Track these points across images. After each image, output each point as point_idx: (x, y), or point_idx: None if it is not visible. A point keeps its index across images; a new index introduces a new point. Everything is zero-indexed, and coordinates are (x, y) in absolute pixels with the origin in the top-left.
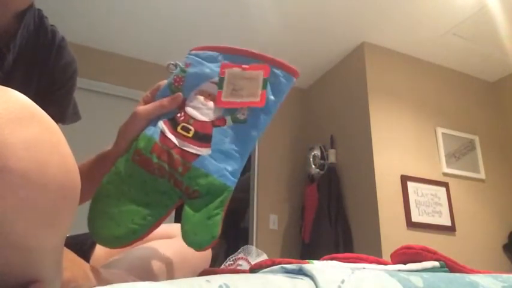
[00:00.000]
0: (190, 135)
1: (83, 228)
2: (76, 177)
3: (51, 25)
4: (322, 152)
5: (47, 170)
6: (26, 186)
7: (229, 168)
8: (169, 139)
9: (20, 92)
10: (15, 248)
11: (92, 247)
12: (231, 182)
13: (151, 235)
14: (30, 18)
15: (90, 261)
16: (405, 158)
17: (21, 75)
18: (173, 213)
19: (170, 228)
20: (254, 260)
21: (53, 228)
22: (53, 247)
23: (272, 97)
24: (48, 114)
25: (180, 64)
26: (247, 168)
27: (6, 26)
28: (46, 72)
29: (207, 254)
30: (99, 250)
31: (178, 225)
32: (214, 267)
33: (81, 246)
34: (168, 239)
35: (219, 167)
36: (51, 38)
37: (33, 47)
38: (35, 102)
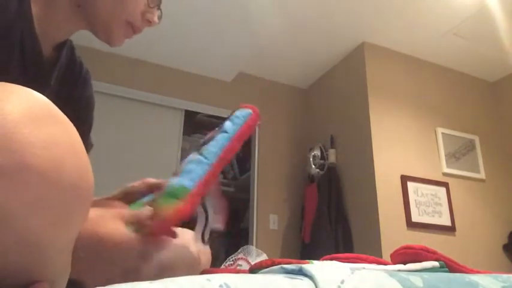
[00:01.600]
0: None
1: None
2: (90, 178)
3: (79, 56)
4: (322, 152)
5: (64, 170)
6: (43, 184)
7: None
8: None
9: None
10: (28, 246)
11: None
12: (188, 183)
13: None
14: (66, 51)
15: None
16: (405, 158)
17: None
18: None
19: None
20: (254, 260)
21: (66, 227)
22: (63, 246)
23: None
24: None
25: None
26: (247, 168)
27: (47, 56)
28: (70, 105)
29: (207, 255)
30: None
31: (178, 228)
32: (214, 267)
33: None
34: None
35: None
36: (79, 70)
37: (62, 78)
38: None
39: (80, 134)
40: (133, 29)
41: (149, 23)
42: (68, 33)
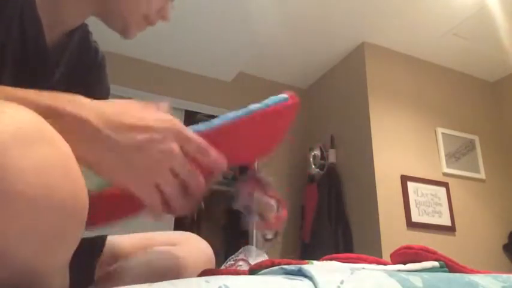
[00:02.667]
0: None
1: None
2: (84, 198)
3: (94, 41)
4: (322, 152)
5: (56, 195)
6: (33, 211)
7: None
8: None
9: None
10: (21, 271)
11: (100, 250)
12: None
13: (153, 242)
14: (79, 35)
15: (98, 264)
16: (405, 158)
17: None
18: (172, 221)
19: (172, 236)
20: (254, 261)
21: (60, 250)
22: (59, 266)
23: None
24: None
25: None
26: (247, 168)
27: (56, 42)
28: (86, 93)
29: (211, 259)
30: (106, 254)
31: (180, 232)
32: (214, 268)
33: (90, 250)
34: (171, 246)
35: None
36: (94, 56)
37: (75, 64)
38: None
39: None
40: (148, 22)
41: (163, 18)
42: (78, 19)
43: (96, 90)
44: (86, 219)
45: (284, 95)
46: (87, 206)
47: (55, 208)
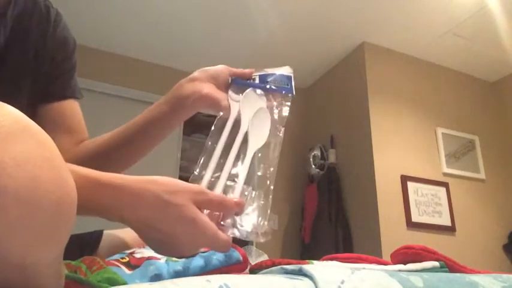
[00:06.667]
0: (123, 261)
1: (86, 227)
2: (71, 190)
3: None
4: (322, 152)
5: (41, 187)
6: (19, 204)
7: (138, 281)
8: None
9: (17, 70)
10: (11, 266)
11: (95, 246)
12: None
13: None
14: None
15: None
16: (405, 158)
17: (17, 54)
18: None
19: None
20: (254, 261)
21: (49, 244)
22: (50, 261)
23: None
24: (57, 90)
25: None
26: None
27: None
28: (44, 49)
29: None
30: (103, 248)
31: None
32: None
33: (85, 245)
34: None
35: (131, 279)
36: (46, 13)
37: (27, 24)
38: (38, 81)
39: (64, 74)
40: None
41: None
42: None
43: (56, 42)
44: (75, 212)
45: (239, 257)
46: (75, 198)
47: (41, 200)
